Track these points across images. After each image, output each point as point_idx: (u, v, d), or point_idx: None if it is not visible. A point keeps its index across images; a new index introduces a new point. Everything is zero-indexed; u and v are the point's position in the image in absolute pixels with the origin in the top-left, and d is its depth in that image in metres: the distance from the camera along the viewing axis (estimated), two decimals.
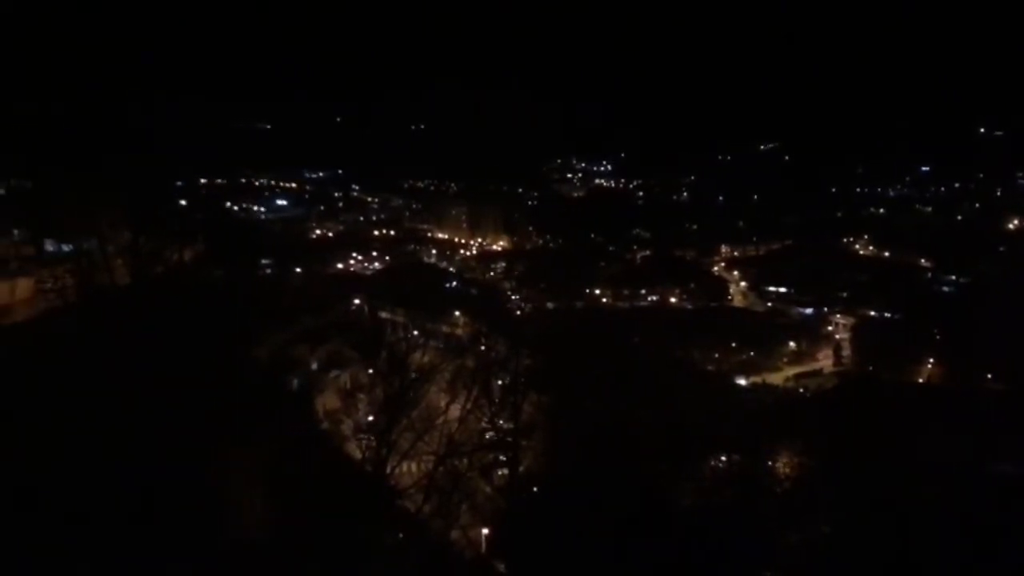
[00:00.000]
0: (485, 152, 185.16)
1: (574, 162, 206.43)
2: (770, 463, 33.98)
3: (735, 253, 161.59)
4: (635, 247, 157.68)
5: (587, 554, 24.91)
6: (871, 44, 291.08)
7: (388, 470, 28.56)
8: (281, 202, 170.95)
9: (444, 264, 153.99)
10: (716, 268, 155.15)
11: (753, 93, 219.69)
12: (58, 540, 17.84)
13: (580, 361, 40.10)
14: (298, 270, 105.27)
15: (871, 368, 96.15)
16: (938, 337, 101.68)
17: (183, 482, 21.06)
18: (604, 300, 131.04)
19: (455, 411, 31.86)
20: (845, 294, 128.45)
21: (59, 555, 17.63)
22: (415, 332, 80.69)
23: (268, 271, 75.76)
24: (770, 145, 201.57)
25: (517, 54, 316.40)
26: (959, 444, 37.71)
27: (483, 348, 43.02)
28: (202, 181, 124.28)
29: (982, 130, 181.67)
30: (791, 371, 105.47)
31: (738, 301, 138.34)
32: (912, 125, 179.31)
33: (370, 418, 31.44)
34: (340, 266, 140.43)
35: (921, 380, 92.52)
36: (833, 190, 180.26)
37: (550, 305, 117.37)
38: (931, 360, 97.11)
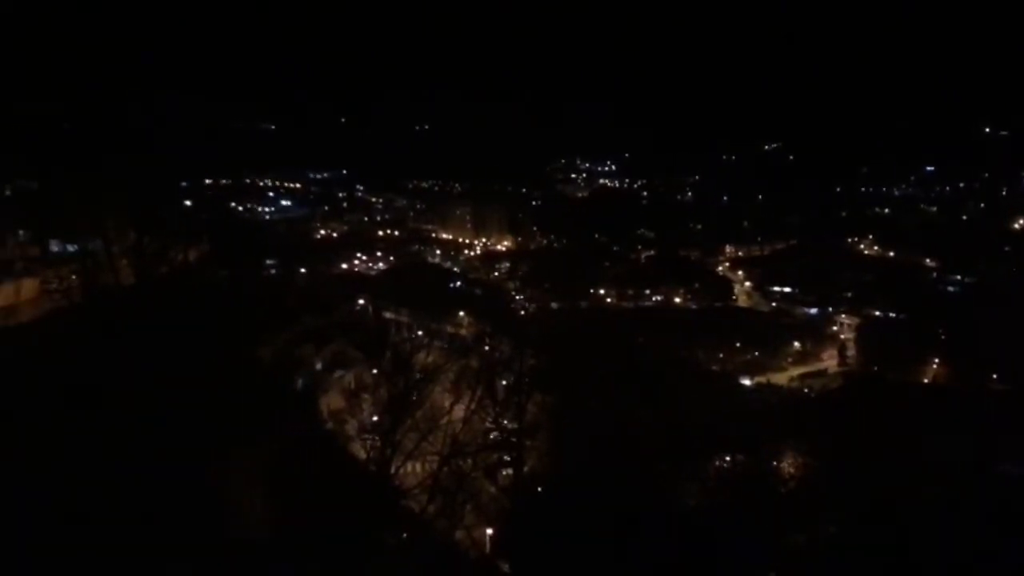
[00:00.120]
0: (489, 152, 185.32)
1: (578, 162, 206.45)
2: (775, 463, 33.94)
3: (739, 253, 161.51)
4: (639, 247, 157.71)
5: (591, 554, 24.88)
6: (875, 44, 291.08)
7: (392, 470, 28.53)
8: (285, 202, 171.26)
9: (448, 264, 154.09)
10: (720, 268, 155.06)
11: (757, 93, 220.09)
12: (60, 540, 17.86)
13: (584, 361, 40.05)
14: (302, 270, 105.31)
15: (876, 368, 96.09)
16: (943, 337, 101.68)
17: (188, 482, 21.08)
18: (608, 300, 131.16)
19: (459, 411, 31.81)
20: (850, 294, 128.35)
21: (61, 555, 17.66)
22: (419, 332, 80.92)
23: (272, 271, 75.86)
24: (774, 145, 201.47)
25: (521, 55, 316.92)
26: (964, 444, 37.66)
27: (487, 348, 43.09)
28: (207, 181, 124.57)
29: (987, 130, 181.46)
30: (796, 371, 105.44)
31: (742, 301, 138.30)
32: (917, 125, 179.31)
33: (374, 418, 31.46)
34: (344, 266, 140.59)
35: (926, 380, 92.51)
36: (837, 190, 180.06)
37: (554, 305, 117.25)
38: (936, 360, 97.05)
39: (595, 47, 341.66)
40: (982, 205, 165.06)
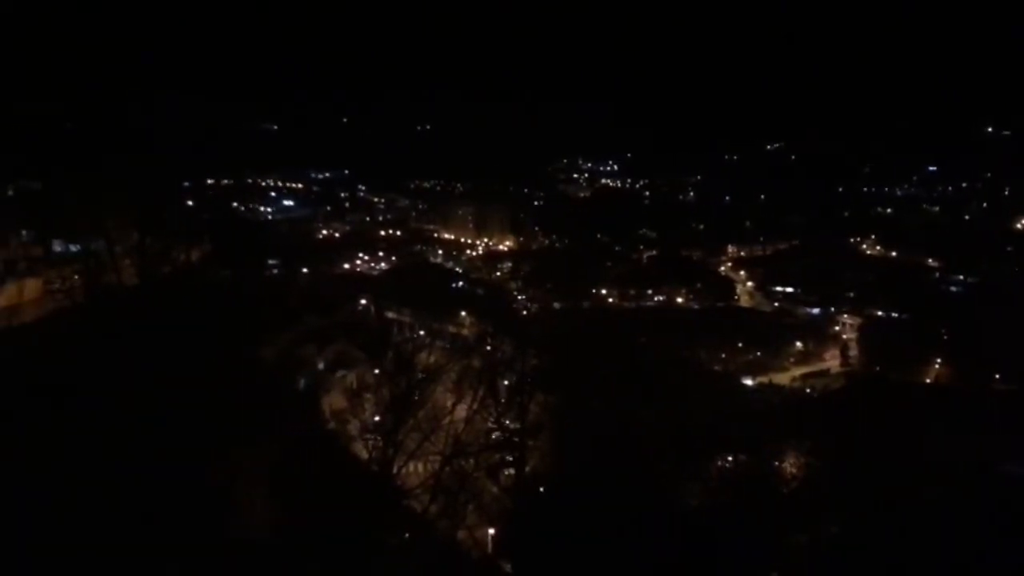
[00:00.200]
0: (491, 152, 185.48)
1: (580, 162, 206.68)
2: (777, 463, 33.88)
3: (742, 253, 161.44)
4: (641, 247, 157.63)
5: (593, 554, 24.89)
6: (877, 44, 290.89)
7: (394, 470, 28.53)
8: (288, 202, 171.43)
9: (450, 264, 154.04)
10: (723, 268, 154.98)
11: (759, 93, 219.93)
12: (63, 539, 17.89)
13: (586, 361, 40.02)
14: (305, 270, 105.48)
15: (878, 368, 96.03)
16: (945, 337, 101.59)
17: (190, 482, 21.12)
18: (610, 300, 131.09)
19: (461, 411, 31.77)
20: (852, 294, 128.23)
21: (62, 555, 17.69)
22: (421, 332, 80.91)
23: (275, 271, 75.97)
24: (776, 145, 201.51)
25: (523, 55, 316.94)
26: (966, 444, 37.64)
27: (489, 348, 42.97)
28: (209, 181, 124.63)
29: (989, 129, 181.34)
30: (798, 371, 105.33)
31: (745, 301, 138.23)
32: (919, 124, 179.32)
33: (376, 418, 31.38)
34: (346, 266, 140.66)
35: (929, 380, 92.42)
36: (840, 190, 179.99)
37: (556, 305, 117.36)
38: (938, 360, 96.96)
39: (597, 47, 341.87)
40: (984, 205, 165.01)
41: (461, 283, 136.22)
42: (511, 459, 34.47)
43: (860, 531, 27.22)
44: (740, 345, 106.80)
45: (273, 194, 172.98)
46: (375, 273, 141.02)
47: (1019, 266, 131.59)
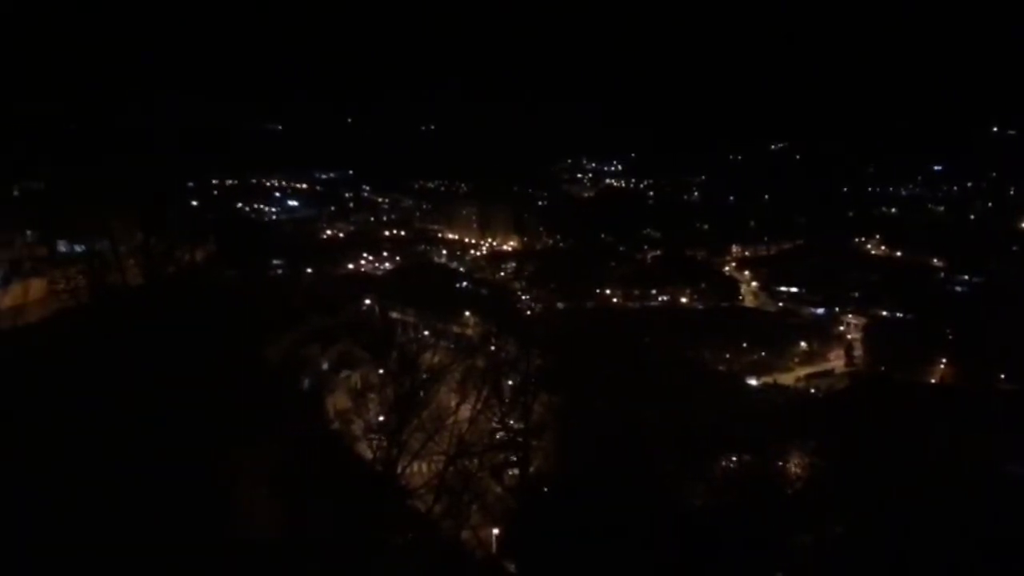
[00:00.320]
0: (495, 152, 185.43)
1: (584, 162, 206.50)
2: (781, 463, 33.87)
3: (746, 253, 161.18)
4: (645, 247, 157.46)
5: (597, 554, 24.88)
6: (882, 43, 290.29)
7: (398, 470, 28.55)
8: (292, 202, 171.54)
9: (454, 264, 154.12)
10: (727, 268, 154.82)
11: (763, 92, 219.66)
12: (63, 539, 17.92)
13: (591, 361, 40.03)
14: (309, 270, 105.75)
15: (883, 368, 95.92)
16: (950, 337, 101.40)
17: (194, 482, 21.14)
18: (615, 300, 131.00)
19: (465, 411, 31.77)
20: (857, 294, 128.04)
21: (65, 554, 17.72)
22: (425, 332, 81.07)
23: (279, 271, 76.16)
24: (781, 144, 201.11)
25: (527, 54, 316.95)
26: (972, 444, 37.48)
27: (493, 348, 42.92)
28: (213, 182, 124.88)
29: (995, 129, 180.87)
30: (802, 371, 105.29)
31: (749, 301, 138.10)
32: (924, 124, 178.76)
33: (381, 418, 31.40)
34: (351, 266, 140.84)
35: (933, 380, 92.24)
36: (844, 189, 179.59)
37: (560, 305, 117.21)
38: (943, 360, 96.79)
39: (601, 46, 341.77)
40: (990, 205, 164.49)
41: (465, 283, 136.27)
42: (515, 459, 34.50)
43: (865, 531, 27.17)
44: (744, 345, 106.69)
45: (277, 194, 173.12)
46: (379, 273, 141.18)
47: None
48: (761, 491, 30.83)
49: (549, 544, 27.81)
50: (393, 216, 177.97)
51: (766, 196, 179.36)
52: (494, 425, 33.88)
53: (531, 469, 34.03)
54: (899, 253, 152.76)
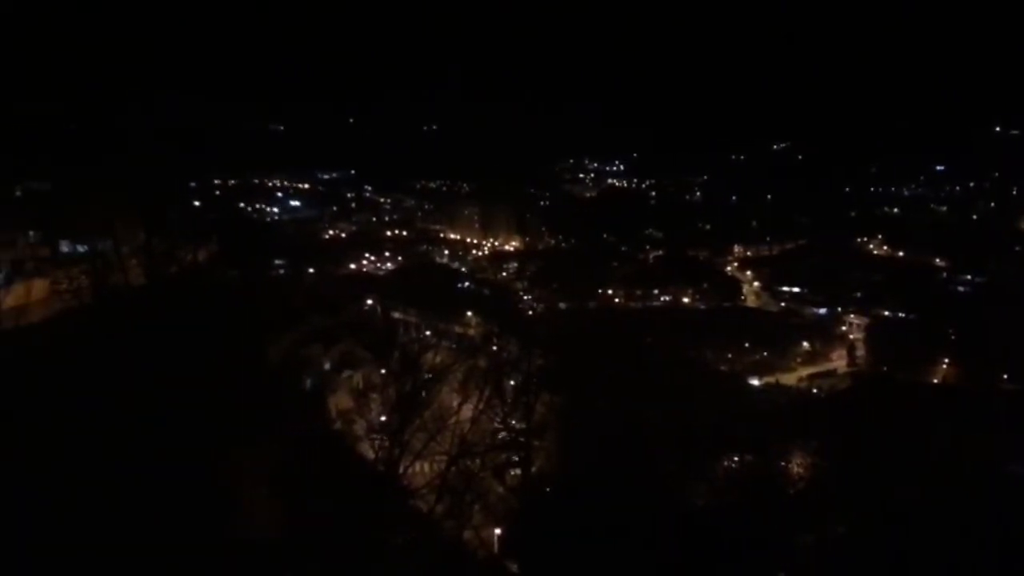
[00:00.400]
0: (497, 152, 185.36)
1: (586, 162, 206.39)
2: (783, 463, 33.88)
3: (748, 253, 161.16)
4: (647, 247, 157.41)
5: (599, 554, 24.89)
6: (884, 43, 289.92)
7: (401, 470, 28.57)
8: (294, 203, 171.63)
9: (456, 264, 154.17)
10: (729, 268, 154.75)
11: (766, 92, 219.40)
12: (64, 540, 17.94)
13: (593, 361, 40.08)
14: (311, 270, 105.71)
15: (885, 368, 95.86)
16: (953, 337, 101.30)
17: (195, 482, 21.16)
18: (616, 300, 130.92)
19: (467, 411, 31.81)
20: (859, 294, 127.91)
21: (66, 554, 17.74)
22: (427, 332, 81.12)
23: (281, 271, 76.14)
24: (783, 144, 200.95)
25: (529, 54, 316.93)
26: (974, 444, 37.46)
27: (495, 348, 42.98)
28: (215, 182, 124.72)
29: (997, 129, 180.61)
30: (805, 371, 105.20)
31: (751, 301, 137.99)
32: (926, 124, 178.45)
33: (383, 418, 31.44)
34: (353, 266, 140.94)
35: (936, 380, 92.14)
36: (847, 189, 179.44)
37: (562, 305, 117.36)
38: (946, 360, 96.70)
39: (603, 46, 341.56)
40: (992, 205, 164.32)
41: (467, 283, 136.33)
42: (517, 459, 34.54)
43: (867, 531, 27.17)
44: (746, 345, 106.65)
45: (280, 194, 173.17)
46: (381, 273, 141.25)
47: None
48: (763, 491, 30.84)
49: (551, 544, 27.83)
50: (395, 216, 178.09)
51: (768, 196, 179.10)
52: (496, 425, 33.91)
53: (533, 469, 34.06)
54: (901, 253, 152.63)
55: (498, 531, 31.86)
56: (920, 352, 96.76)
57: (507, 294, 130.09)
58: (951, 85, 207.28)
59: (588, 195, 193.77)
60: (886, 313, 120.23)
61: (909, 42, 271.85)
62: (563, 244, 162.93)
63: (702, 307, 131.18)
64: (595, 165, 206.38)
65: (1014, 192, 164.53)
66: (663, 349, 70.42)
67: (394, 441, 28.48)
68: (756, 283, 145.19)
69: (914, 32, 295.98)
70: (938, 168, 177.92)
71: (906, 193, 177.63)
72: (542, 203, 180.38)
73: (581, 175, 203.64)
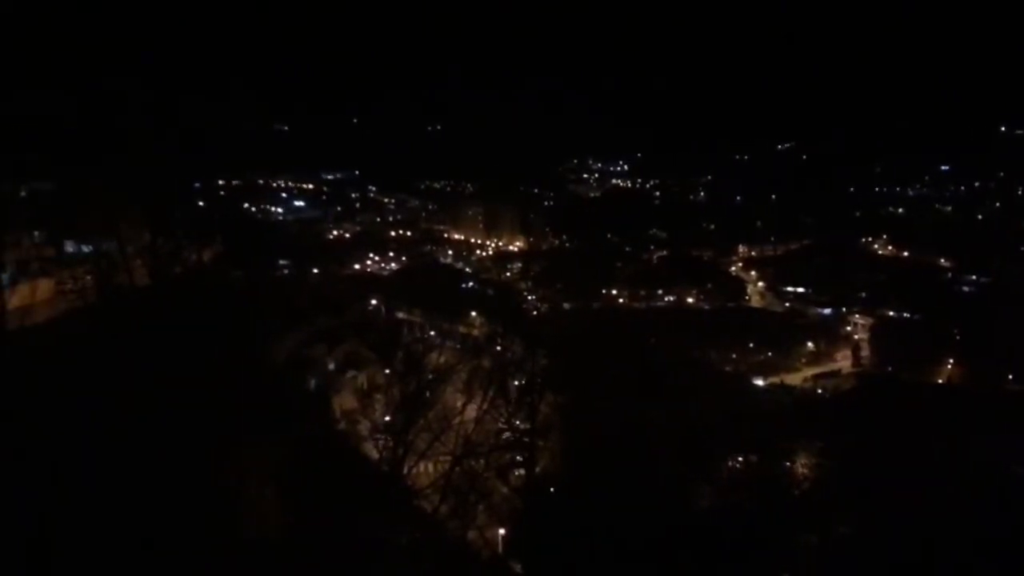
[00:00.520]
0: (501, 153, 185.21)
1: (590, 162, 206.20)
2: (788, 464, 33.85)
3: (752, 253, 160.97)
4: (652, 247, 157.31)
5: (604, 555, 24.87)
6: (889, 42, 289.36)
7: (405, 470, 28.58)
8: (298, 203, 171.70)
9: (460, 265, 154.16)
10: (733, 268, 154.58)
11: (770, 92, 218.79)
12: (65, 540, 17.96)
13: (597, 362, 39.98)
14: (315, 271, 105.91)
15: (890, 369, 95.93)
16: (958, 337, 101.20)
17: (199, 482, 21.17)
18: (621, 300, 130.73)
19: (472, 412, 31.80)
20: (864, 294, 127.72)
21: (67, 554, 17.76)
22: (432, 332, 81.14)
23: (286, 272, 76.28)
24: (787, 144, 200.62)
25: (533, 54, 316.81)
26: (979, 445, 37.45)
27: (499, 348, 42.98)
28: (220, 182, 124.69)
29: (1003, 129, 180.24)
30: (809, 372, 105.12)
31: (756, 301, 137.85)
32: (931, 124, 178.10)
33: (387, 418, 31.46)
34: (357, 267, 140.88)
35: (941, 381, 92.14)
36: (851, 189, 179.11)
37: (566, 305, 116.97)
38: (951, 361, 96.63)
39: (607, 46, 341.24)
40: (997, 205, 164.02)
41: (471, 283, 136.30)
42: (521, 459, 34.50)
43: (871, 532, 27.13)
44: (751, 345, 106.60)
45: (284, 195, 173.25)
46: (385, 273, 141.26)
47: None
48: (767, 492, 30.80)
49: (555, 545, 27.82)
50: (399, 216, 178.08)
51: (773, 196, 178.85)
52: (500, 425, 33.86)
53: (537, 469, 34.03)
54: (906, 253, 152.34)
55: (502, 531, 31.89)
56: (925, 352, 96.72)
57: (511, 294, 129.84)
58: (956, 85, 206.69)
59: (592, 195, 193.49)
60: (891, 313, 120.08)
61: (914, 42, 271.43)
62: (567, 244, 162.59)
63: (706, 307, 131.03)
64: (599, 165, 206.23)
65: (1019, 192, 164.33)
66: (667, 349, 70.26)
67: (398, 441, 28.49)
68: (760, 283, 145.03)
69: (919, 32, 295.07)
70: (943, 168, 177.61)
71: (911, 193, 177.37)
72: (546, 203, 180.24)
73: (585, 175, 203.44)
